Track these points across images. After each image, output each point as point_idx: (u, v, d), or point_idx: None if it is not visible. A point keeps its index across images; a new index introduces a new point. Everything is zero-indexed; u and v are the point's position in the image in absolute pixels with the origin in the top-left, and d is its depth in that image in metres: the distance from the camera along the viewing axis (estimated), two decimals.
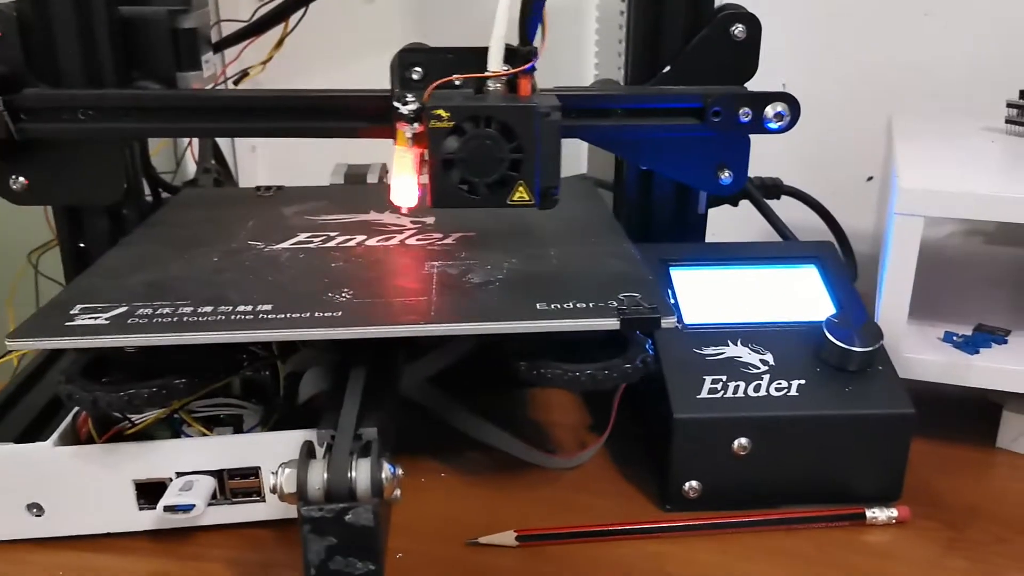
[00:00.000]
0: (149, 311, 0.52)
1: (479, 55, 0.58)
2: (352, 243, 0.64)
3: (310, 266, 0.60)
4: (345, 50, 1.00)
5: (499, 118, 0.56)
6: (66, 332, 0.50)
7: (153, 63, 0.66)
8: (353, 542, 0.43)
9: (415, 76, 0.60)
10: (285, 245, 0.64)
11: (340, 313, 0.52)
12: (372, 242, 0.65)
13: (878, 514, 0.57)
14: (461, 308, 0.54)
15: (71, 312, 0.52)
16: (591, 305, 0.54)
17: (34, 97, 0.63)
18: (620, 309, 0.53)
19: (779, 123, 0.64)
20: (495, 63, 0.57)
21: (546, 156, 0.57)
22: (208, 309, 0.53)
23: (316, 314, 0.52)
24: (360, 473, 0.44)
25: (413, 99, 0.58)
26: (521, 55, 0.58)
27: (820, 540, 0.57)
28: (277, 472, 0.44)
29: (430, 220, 0.69)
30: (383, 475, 0.44)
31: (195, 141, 0.86)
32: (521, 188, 0.57)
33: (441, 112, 0.56)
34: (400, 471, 0.46)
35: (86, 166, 0.66)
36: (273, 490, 0.44)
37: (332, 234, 0.66)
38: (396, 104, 0.58)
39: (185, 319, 0.51)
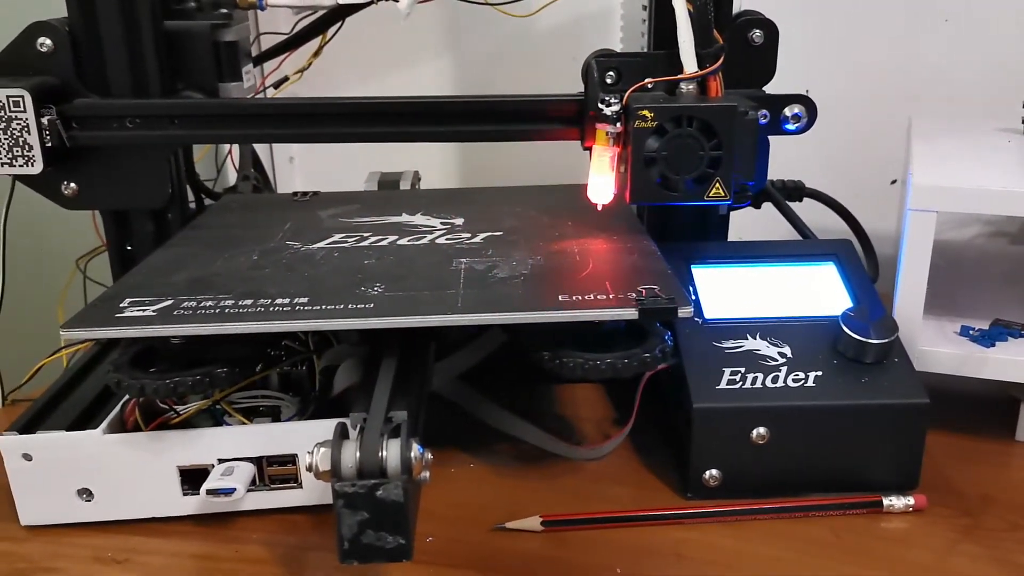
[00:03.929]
0: (193, 303, 0.55)
1: (667, 59, 0.63)
2: (384, 242, 0.67)
3: (344, 263, 0.62)
4: (379, 61, 1.04)
5: (701, 117, 0.60)
6: (116, 323, 0.53)
7: (196, 74, 0.70)
8: (384, 517, 0.45)
9: (609, 80, 0.65)
10: (321, 245, 0.66)
11: (372, 305, 0.55)
12: (403, 241, 0.67)
13: (895, 502, 0.59)
14: (486, 300, 0.56)
15: (120, 305, 0.55)
16: (611, 296, 0.55)
17: (84, 107, 0.66)
18: (639, 300, 0.55)
19: (796, 124, 0.67)
20: (691, 65, 0.62)
21: (743, 153, 0.61)
22: (248, 302, 0.55)
23: (350, 306, 0.54)
24: (390, 452, 0.46)
25: (616, 101, 0.62)
26: (709, 57, 0.62)
27: (838, 527, 0.58)
28: (313, 451, 0.47)
29: (459, 221, 0.71)
30: (412, 454, 0.46)
31: (234, 150, 0.89)
32: (718, 185, 0.61)
33: (646, 112, 0.60)
34: (429, 454, 0.48)
35: (133, 172, 0.69)
36: (309, 468, 0.47)
37: (365, 234, 0.68)
38: (600, 106, 0.62)
39: (227, 311, 0.54)
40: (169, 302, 0.55)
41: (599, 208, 0.66)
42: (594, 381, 0.73)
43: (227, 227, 0.72)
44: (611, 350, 0.56)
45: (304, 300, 0.55)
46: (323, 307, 0.54)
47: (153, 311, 0.54)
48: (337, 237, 0.68)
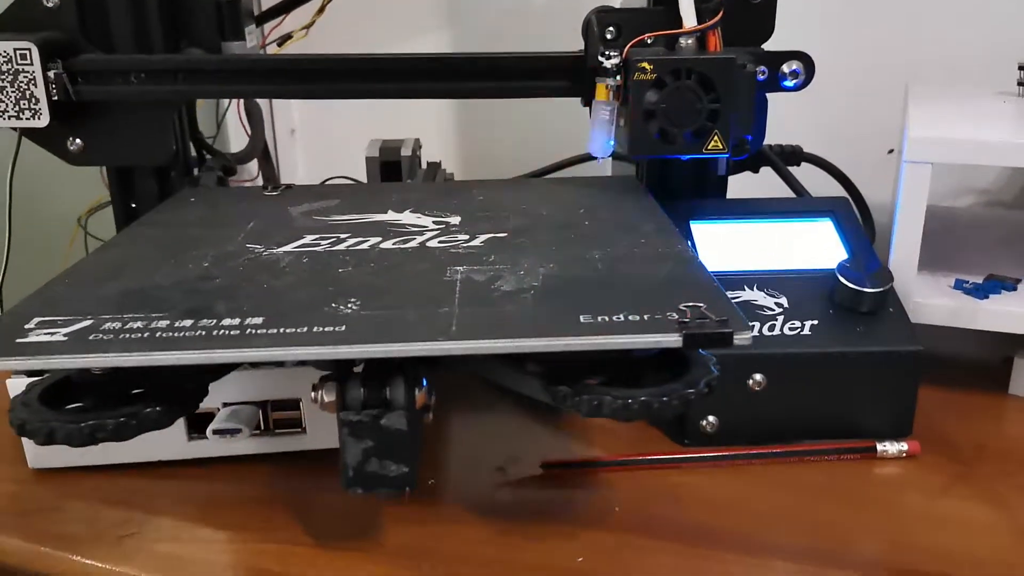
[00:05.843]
0: (117, 325, 0.45)
1: (666, 15, 0.64)
2: (364, 246, 0.57)
3: (314, 272, 0.53)
4: (382, 21, 1.04)
5: (699, 70, 0.61)
6: (15, 351, 0.43)
7: (199, 33, 0.70)
8: (388, 446, 0.46)
9: (608, 36, 0.66)
10: (287, 248, 0.57)
11: (343, 327, 0.45)
12: (388, 244, 0.57)
13: (889, 447, 0.60)
14: (488, 322, 0.46)
15: (26, 327, 0.45)
16: (645, 318, 0.45)
17: (89, 62, 0.67)
18: (682, 322, 0.44)
19: (794, 81, 0.67)
20: (690, 20, 0.63)
21: (741, 106, 0.62)
22: (187, 323, 0.45)
23: (315, 328, 0.45)
24: (394, 382, 0.47)
25: (615, 54, 0.63)
26: (708, 11, 0.63)
27: (832, 472, 0.59)
28: (318, 384, 0.48)
29: (455, 220, 0.62)
30: (415, 386, 0.47)
31: (242, 114, 0.89)
32: (716, 138, 0.62)
33: (645, 65, 0.61)
34: (433, 395, 0.49)
35: (137, 128, 0.70)
36: (315, 400, 0.47)
37: (342, 236, 0.59)
38: (600, 59, 0.63)
39: (158, 335, 0.44)
40: (87, 323, 0.45)
41: (599, 162, 0.67)
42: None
43: (180, 225, 0.63)
44: (642, 379, 0.47)
45: (258, 321, 0.45)
46: (281, 330, 0.44)
47: (64, 335, 0.44)
48: (308, 239, 0.58)
